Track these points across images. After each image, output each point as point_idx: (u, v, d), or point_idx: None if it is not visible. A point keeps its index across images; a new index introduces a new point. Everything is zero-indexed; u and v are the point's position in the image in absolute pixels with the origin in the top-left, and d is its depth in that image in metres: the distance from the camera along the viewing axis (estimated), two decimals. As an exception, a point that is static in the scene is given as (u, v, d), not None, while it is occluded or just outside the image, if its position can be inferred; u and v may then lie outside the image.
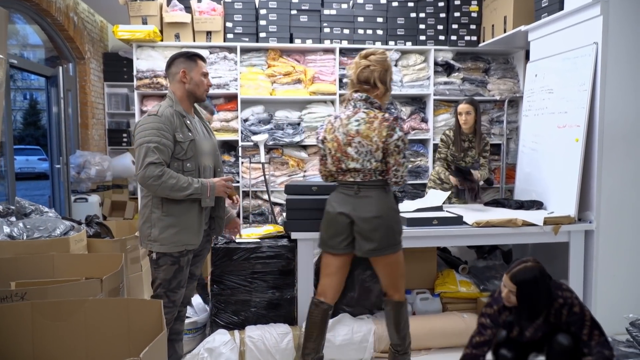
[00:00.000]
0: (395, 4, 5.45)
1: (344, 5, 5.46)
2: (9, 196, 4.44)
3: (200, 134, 2.60)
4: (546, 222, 3.45)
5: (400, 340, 2.81)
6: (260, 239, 3.40)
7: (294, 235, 3.27)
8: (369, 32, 5.45)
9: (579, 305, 2.42)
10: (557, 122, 3.78)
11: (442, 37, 5.51)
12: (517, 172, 4.43)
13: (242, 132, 5.27)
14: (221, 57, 5.31)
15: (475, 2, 5.47)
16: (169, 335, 2.65)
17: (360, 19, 5.42)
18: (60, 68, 5.12)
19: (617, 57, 3.46)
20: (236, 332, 3.08)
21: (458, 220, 3.48)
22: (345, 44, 5.42)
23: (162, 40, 5.24)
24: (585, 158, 3.52)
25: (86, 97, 5.99)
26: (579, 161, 3.50)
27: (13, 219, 3.16)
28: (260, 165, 5.12)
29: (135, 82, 5.23)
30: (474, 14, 5.48)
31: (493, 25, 5.16)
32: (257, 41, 5.35)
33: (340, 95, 5.43)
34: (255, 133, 5.23)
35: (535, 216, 3.55)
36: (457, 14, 5.46)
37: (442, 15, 5.49)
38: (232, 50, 5.37)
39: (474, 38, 5.52)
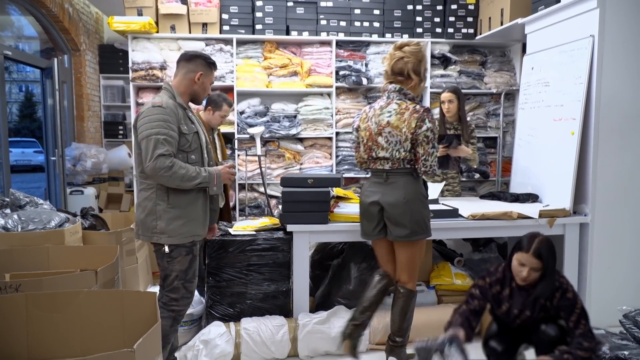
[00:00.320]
0: (392, -4, 5.44)
1: (341, -3, 5.45)
2: (4, 188, 4.43)
3: (198, 127, 2.63)
4: (541, 215, 3.46)
5: (402, 331, 2.85)
6: (256, 231, 3.40)
7: (290, 227, 3.27)
8: (366, 24, 5.43)
9: (573, 292, 2.44)
10: (553, 115, 3.78)
11: (439, 30, 5.50)
12: (513, 165, 4.44)
13: (238, 125, 5.26)
14: (217, 49, 5.29)
15: (473, -5, 5.46)
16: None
17: (357, 11, 5.41)
18: (55, 60, 5.09)
19: (613, 50, 3.46)
20: (232, 324, 3.09)
21: (454, 213, 3.49)
22: (341, 36, 5.40)
23: (157, 32, 5.22)
24: (580, 151, 3.52)
25: (82, 89, 5.96)
26: (575, 154, 3.50)
27: (8, 211, 3.16)
28: (256, 158, 5.12)
29: (130, 74, 5.21)
30: (471, 7, 5.46)
31: (490, 18, 5.15)
32: (253, 33, 5.33)
33: (337, 87, 5.42)
34: (251, 125, 5.22)
35: (530, 209, 3.56)
36: (454, 7, 5.45)
37: (439, 7, 5.48)
38: (228, 42, 5.35)
39: (471, 31, 5.51)
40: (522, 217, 3.46)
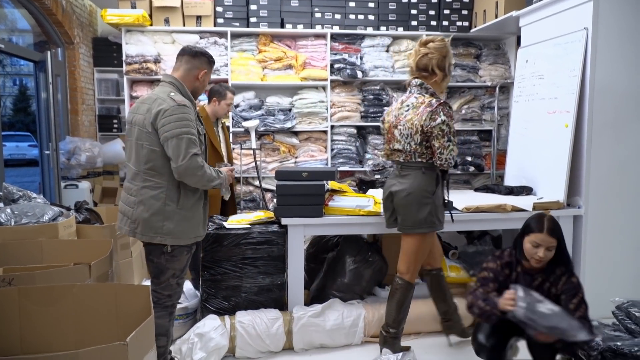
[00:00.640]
0: (387, -12, 5.42)
1: (335, -10, 5.43)
2: (-3, 182, 4.41)
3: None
4: (535, 207, 3.47)
5: (396, 322, 2.88)
6: (250, 225, 3.40)
7: (285, 221, 3.28)
8: (361, 17, 5.42)
9: (576, 277, 2.47)
10: (547, 108, 3.79)
11: (433, 23, 5.49)
12: (507, 158, 4.44)
13: (232, 118, 5.25)
14: (211, 42, 5.27)
15: (467, -13, 5.45)
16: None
17: (352, 4, 5.39)
18: (49, 53, 5.06)
19: (607, 42, 3.46)
20: (227, 317, 3.10)
21: (448, 206, 3.49)
22: (336, 29, 5.39)
23: (151, 25, 5.19)
24: (574, 144, 3.53)
25: (76, 82, 5.93)
26: (569, 147, 3.51)
27: (1, 205, 3.15)
28: (251, 152, 5.11)
29: (124, 67, 5.19)
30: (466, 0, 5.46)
31: (485, 11, 5.15)
32: (247, 26, 5.31)
33: (332, 81, 5.41)
34: (246, 119, 5.21)
35: (524, 202, 3.57)
36: (448, -1, 5.45)
37: (434, 0, 5.47)
38: (222, 35, 5.32)
39: (466, 24, 5.50)
40: (516, 209, 3.47)
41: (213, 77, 5.21)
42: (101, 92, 6.44)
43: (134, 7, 5.11)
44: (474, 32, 5.45)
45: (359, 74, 5.32)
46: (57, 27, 5.62)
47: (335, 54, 5.38)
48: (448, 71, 2.85)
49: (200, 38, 5.30)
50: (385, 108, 5.47)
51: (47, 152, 5.23)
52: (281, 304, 3.32)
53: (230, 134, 5.20)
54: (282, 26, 5.35)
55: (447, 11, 5.47)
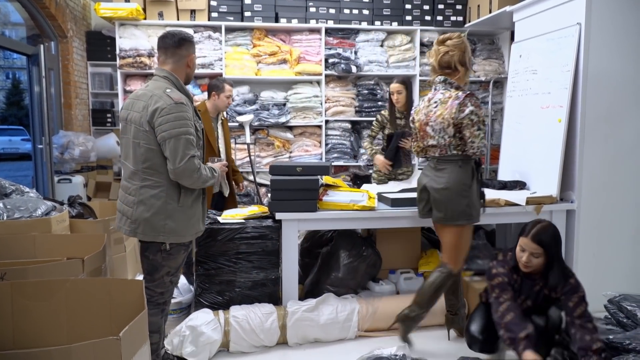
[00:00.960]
0: (381, -17, 5.41)
1: (330, -16, 5.41)
2: (-10, 177, 4.39)
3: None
4: (528, 202, 3.49)
5: (424, 303, 2.94)
6: (245, 219, 3.40)
7: (279, 215, 3.28)
8: (355, 11, 5.41)
9: (575, 278, 2.48)
10: (541, 103, 3.80)
11: (428, 18, 5.49)
12: (501, 153, 4.45)
13: (227, 113, 5.23)
14: (205, 36, 5.25)
15: (462, -18, 5.45)
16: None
17: (346, -1, 5.39)
18: (42, 46, 5.02)
19: (599, 37, 3.47)
20: (221, 312, 3.10)
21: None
22: (331, 24, 5.38)
23: (145, 19, 5.17)
24: (567, 138, 3.54)
25: (69, 76, 5.89)
26: (562, 142, 3.52)
27: (-7, 199, 3.13)
28: (245, 146, 5.10)
29: (118, 62, 5.16)
30: (461, -6, 5.46)
31: (479, 6, 5.15)
32: (242, 20, 5.29)
33: (326, 75, 5.40)
34: (240, 113, 5.20)
35: (518, 196, 3.58)
36: (443, -6, 5.45)
37: (429, -6, 5.47)
38: (216, 29, 5.31)
39: (460, 18, 5.50)
40: (509, 204, 3.48)
41: (207, 71, 5.20)
42: (95, 86, 6.40)
43: (127, 0, 5.08)
44: (468, 27, 5.45)
45: (354, 69, 5.32)
46: (51, 20, 5.58)
47: (330, 49, 5.37)
48: (469, 65, 2.95)
49: (195, 32, 5.28)
50: (379, 103, 5.48)
51: (40, 146, 5.20)
52: (275, 299, 3.33)
53: (225, 129, 5.19)
54: (277, 20, 5.34)
55: (441, 6, 5.47)
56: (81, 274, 2.24)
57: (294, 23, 5.35)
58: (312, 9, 5.37)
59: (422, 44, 5.51)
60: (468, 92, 2.83)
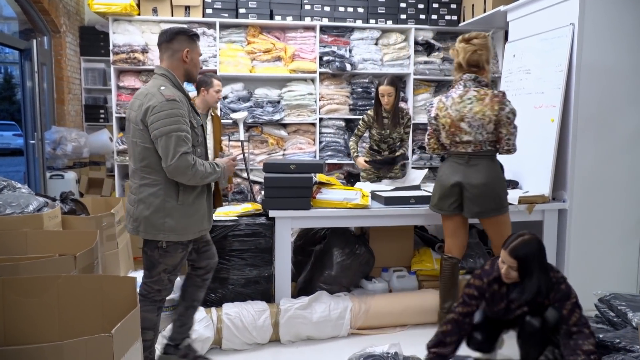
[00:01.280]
0: (376, -19, 5.41)
1: (325, -18, 5.41)
2: (-19, 172, 4.35)
3: (201, 118, 2.59)
4: (521, 201, 3.51)
5: (454, 299, 3.01)
6: (238, 217, 3.39)
7: (272, 213, 3.27)
8: (350, 9, 5.41)
9: (566, 284, 2.46)
10: (534, 102, 3.82)
11: (422, 16, 5.50)
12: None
13: (221, 110, 5.22)
14: (200, 32, 5.23)
15: (457, -19, 5.46)
16: (192, 302, 2.74)
17: (341, -4, 5.39)
18: (35, 41, 4.98)
19: (593, 38, 3.49)
20: (213, 309, 3.09)
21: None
22: (325, 22, 5.38)
23: (139, 15, 5.14)
24: (560, 138, 3.56)
25: (62, 71, 5.85)
26: (554, 141, 3.54)
27: (-15, 195, 3.11)
28: (239, 143, 5.10)
29: (111, 57, 5.14)
30: (455, -7, 5.47)
31: (473, 5, 5.16)
32: (236, 17, 5.28)
33: (321, 73, 5.40)
34: (234, 111, 5.19)
35: (510, 195, 3.58)
36: (438, -7, 5.45)
37: (423, -7, 5.48)
38: (211, 26, 5.29)
39: (455, 18, 5.52)
40: (501, 203, 3.49)
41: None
42: (88, 81, 6.37)
43: (121, -4, 5.04)
44: (462, 26, 5.46)
45: (348, 67, 5.32)
46: (44, 15, 5.54)
47: (325, 47, 5.37)
48: (491, 64, 3.09)
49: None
50: (373, 101, 5.47)
51: (32, 141, 5.17)
52: (268, 296, 3.33)
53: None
54: (271, 18, 5.33)
55: (435, 5, 5.48)
56: (73, 271, 2.23)
57: (289, 20, 5.34)
58: (307, 7, 5.36)
59: (416, 43, 5.52)
60: (503, 92, 2.97)
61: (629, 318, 2.64)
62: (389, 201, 3.44)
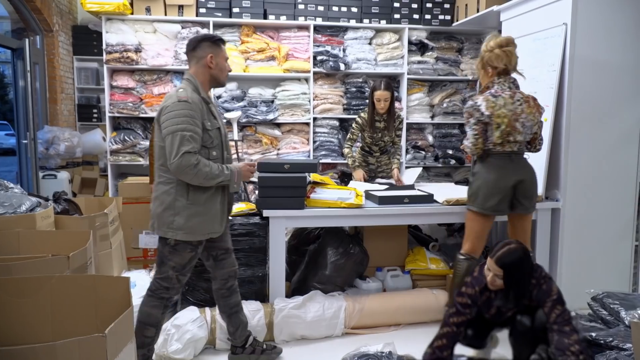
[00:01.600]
0: (370, -19, 5.42)
1: (319, -19, 5.40)
2: (-27, 172, 4.32)
3: (220, 122, 2.61)
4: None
5: None
6: (232, 216, 3.38)
7: (266, 213, 3.27)
8: (344, 9, 5.41)
9: (547, 282, 2.47)
10: (527, 103, 3.83)
11: (416, 16, 5.51)
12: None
13: (215, 109, 5.21)
14: (193, 32, 5.22)
15: (450, -19, 5.47)
16: (230, 309, 2.78)
17: (335, -4, 5.39)
18: (27, 40, 4.96)
19: (585, 37, 3.51)
20: (207, 309, 3.09)
21: (429, 199, 3.53)
22: (319, 21, 5.37)
23: (132, 14, 5.12)
24: (553, 138, 3.58)
25: (55, 71, 5.82)
26: (547, 141, 3.56)
27: (-23, 195, 3.09)
28: (233, 143, 5.08)
29: (104, 56, 5.12)
30: (449, -7, 5.48)
31: (466, 5, 5.17)
32: (230, 16, 5.27)
33: (315, 73, 5.39)
34: (228, 110, 5.18)
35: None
36: (431, -7, 5.46)
37: (417, -7, 5.49)
38: (204, 25, 5.28)
39: (448, 17, 5.53)
40: (495, 202, 3.50)
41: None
42: (81, 81, 6.33)
43: (114, -5, 5.02)
44: (455, 26, 5.48)
45: (342, 67, 5.32)
46: (36, 14, 5.50)
47: (318, 46, 5.37)
48: None
49: (182, 28, 5.24)
50: (367, 101, 5.48)
51: (24, 141, 5.14)
52: (262, 296, 3.33)
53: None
54: (265, 17, 5.32)
55: (429, 5, 5.49)
56: (66, 271, 2.22)
57: (283, 20, 5.34)
58: (301, 6, 5.36)
59: (410, 43, 5.53)
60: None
61: (621, 316, 2.65)
62: (383, 201, 3.45)
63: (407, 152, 5.66)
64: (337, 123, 5.59)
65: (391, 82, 4.15)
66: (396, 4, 5.47)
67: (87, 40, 6.19)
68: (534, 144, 3.18)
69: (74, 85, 6.27)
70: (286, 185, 3.25)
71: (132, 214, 4.18)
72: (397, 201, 3.47)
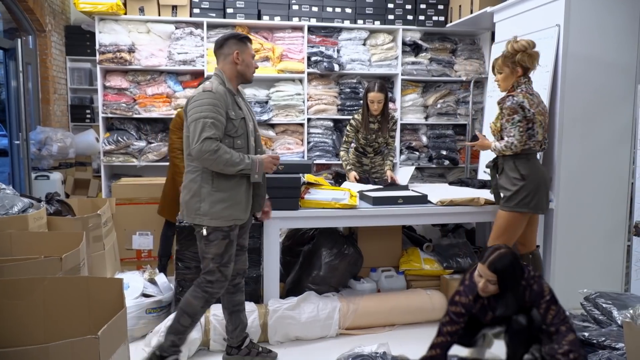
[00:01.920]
0: (364, -18, 5.42)
1: (313, -18, 5.40)
2: (-35, 173, 4.30)
3: (247, 114, 2.66)
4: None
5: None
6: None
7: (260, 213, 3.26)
8: (338, 10, 5.42)
9: (538, 283, 2.47)
10: (521, 103, 3.84)
11: (410, 17, 5.52)
12: (480, 153, 4.50)
13: (208, 110, 5.20)
14: (187, 32, 5.21)
15: (444, -18, 5.49)
16: (233, 307, 2.81)
17: (329, -3, 5.39)
18: (19, 40, 4.93)
19: (578, 39, 3.53)
20: (201, 310, 3.08)
21: (423, 199, 3.53)
22: (313, 22, 5.38)
23: (125, 14, 5.10)
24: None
25: (47, 71, 5.79)
26: (540, 142, 3.57)
27: (-31, 196, 3.07)
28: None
29: (97, 57, 5.10)
30: (442, -6, 5.50)
31: (460, 6, 5.19)
32: (224, 17, 5.26)
33: (309, 73, 5.39)
34: (222, 111, 5.16)
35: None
36: (425, -6, 5.48)
37: (411, -6, 5.50)
38: (198, 25, 5.27)
39: (442, 18, 5.55)
40: (488, 203, 3.52)
41: (188, 68, 5.17)
42: (74, 81, 6.30)
43: (107, -5, 5.00)
44: (449, 27, 5.49)
45: (336, 67, 5.32)
46: (28, 14, 5.48)
47: (313, 47, 5.37)
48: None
49: (176, 28, 5.23)
50: (362, 101, 5.49)
51: (16, 142, 5.11)
52: (256, 297, 3.32)
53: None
54: (259, 18, 5.32)
55: (423, 6, 5.51)
56: (59, 272, 2.21)
57: (277, 20, 5.34)
58: (295, 7, 5.36)
59: (404, 43, 5.54)
60: None
61: (614, 316, 2.67)
62: (377, 201, 3.45)
63: (401, 152, 5.67)
64: (331, 124, 5.59)
65: (385, 83, 4.15)
66: (390, 5, 5.48)
67: (80, 40, 6.16)
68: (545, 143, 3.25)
69: (66, 86, 6.23)
70: (280, 186, 3.24)
71: (125, 215, 4.16)
72: (391, 202, 3.47)
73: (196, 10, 5.21)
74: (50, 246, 2.52)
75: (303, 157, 5.47)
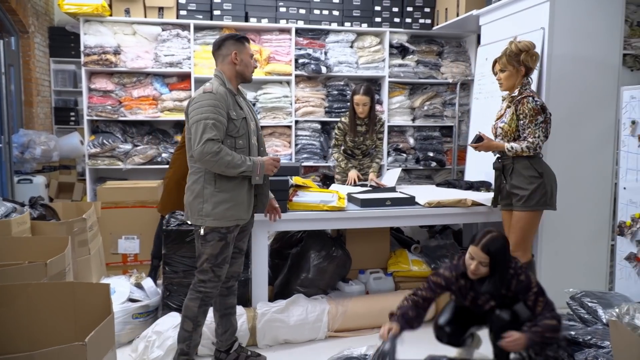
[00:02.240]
0: (351, -16, 5.43)
1: (300, -16, 5.40)
2: (-54, 177, 4.22)
3: (248, 113, 2.67)
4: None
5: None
6: (213, 220, 3.35)
7: (248, 216, 3.24)
8: (325, 12, 5.42)
9: (525, 274, 2.50)
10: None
11: (397, 20, 5.54)
12: (467, 154, 4.53)
13: (195, 112, 5.17)
14: (174, 34, 5.18)
15: (430, -15, 5.52)
16: (224, 310, 2.81)
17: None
18: (1, 42, 4.86)
19: (562, 42, 3.57)
20: (189, 314, 3.05)
21: (410, 201, 3.54)
22: (301, 24, 5.37)
23: (111, 15, 5.06)
24: (532, 140, 3.62)
25: (30, 73, 5.71)
26: (526, 143, 3.60)
27: (-50, 201, 3.01)
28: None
29: (82, 59, 5.04)
30: (429, -3, 5.53)
31: (446, 9, 5.22)
32: (211, 19, 5.24)
33: (296, 76, 5.39)
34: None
35: (484, 196, 3.65)
36: (412, -4, 5.51)
37: (398, -3, 5.52)
38: (185, 27, 5.24)
39: (428, 21, 5.58)
40: (475, 204, 3.54)
41: (175, 70, 5.14)
42: (58, 83, 6.23)
43: (92, -4, 4.95)
44: (436, 30, 5.52)
45: (324, 69, 5.32)
46: (11, 15, 5.40)
47: (300, 49, 5.37)
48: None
49: (163, 30, 5.19)
50: (349, 103, 5.50)
51: (-1, 145, 5.03)
52: (245, 300, 3.31)
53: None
54: (247, 20, 5.30)
55: (410, 8, 5.53)
56: (44, 278, 2.18)
57: (264, 23, 5.33)
58: (282, 9, 5.35)
59: (391, 46, 5.56)
60: None
61: (599, 315, 2.70)
62: (365, 203, 3.45)
63: (388, 154, 5.68)
64: (319, 126, 5.59)
65: (371, 86, 4.16)
66: (377, 8, 5.50)
67: (64, 42, 6.09)
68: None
69: (50, 88, 6.16)
70: (270, 189, 3.23)
71: (111, 219, 4.12)
72: (379, 204, 3.48)
73: (183, 12, 5.18)
74: (35, 251, 2.48)
75: (291, 159, 5.46)
